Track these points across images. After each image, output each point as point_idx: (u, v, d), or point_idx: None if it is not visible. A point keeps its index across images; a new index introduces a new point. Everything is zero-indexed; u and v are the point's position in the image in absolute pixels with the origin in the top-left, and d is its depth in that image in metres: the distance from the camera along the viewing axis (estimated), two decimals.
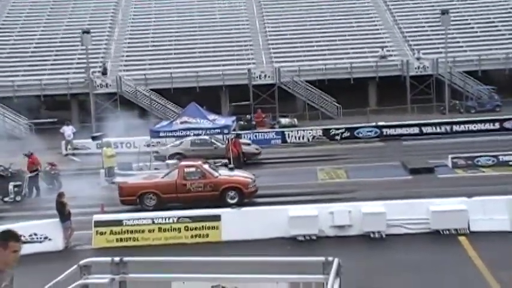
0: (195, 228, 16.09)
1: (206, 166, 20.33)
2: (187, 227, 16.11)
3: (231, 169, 21.23)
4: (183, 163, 20.82)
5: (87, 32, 38.97)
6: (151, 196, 19.74)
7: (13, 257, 5.24)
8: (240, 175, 20.63)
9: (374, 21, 47.39)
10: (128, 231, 16.23)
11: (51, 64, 44.11)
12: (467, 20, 45.97)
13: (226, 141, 25.65)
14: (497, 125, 32.02)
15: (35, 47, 45.95)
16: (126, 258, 6.58)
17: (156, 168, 23.72)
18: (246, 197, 19.72)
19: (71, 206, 16.94)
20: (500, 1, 48.42)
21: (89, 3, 51.74)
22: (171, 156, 25.88)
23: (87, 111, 39.33)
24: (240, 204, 18.59)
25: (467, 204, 15.55)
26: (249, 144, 28.48)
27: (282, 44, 45.11)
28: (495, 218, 15.26)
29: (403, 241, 15.00)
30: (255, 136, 31.79)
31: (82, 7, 51.21)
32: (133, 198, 19.77)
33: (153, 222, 16.24)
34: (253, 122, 36.41)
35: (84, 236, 16.71)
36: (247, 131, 32.83)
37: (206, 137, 26.18)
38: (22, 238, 5.17)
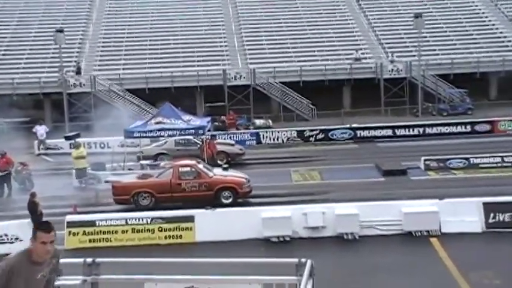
0: (169, 229, 16.03)
1: (201, 166, 20.37)
2: (161, 227, 16.05)
3: (225, 169, 21.28)
4: (178, 163, 20.71)
5: (60, 30, 38.66)
6: (146, 195, 19.68)
7: (41, 248, 5.15)
8: (235, 175, 20.69)
9: (349, 24, 47.74)
10: (101, 231, 16.11)
11: (24, 63, 43.59)
12: (440, 24, 46.56)
13: (201, 142, 25.63)
14: (468, 128, 32.49)
15: (7, 46, 45.36)
16: (98, 260, 6.56)
17: (129, 169, 23.62)
18: (240, 197, 19.78)
19: (43, 207, 16.75)
20: (472, 6, 49.17)
21: (63, 1, 51.24)
22: (156, 156, 25.88)
23: (60, 110, 38.98)
24: (216, 205, 18.58)
25: (439, 206, 15.74)
26: (232, 145, 28.59)
27: (257, 45, 45.20)
28: (466, 219, 15.47)
29: (376, 242, 15.13)
30: (230, 137, 31.79)
31: (56, 5, 50.70)
32: (127, 197, 19.70)
33: (127, 223, 16.14)
34: (226, 123, 36.36)
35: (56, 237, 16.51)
36: (222, 132, 32.84)
37: (190, 137, 26.24)
38: None
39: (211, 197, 19.40)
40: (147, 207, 19.15)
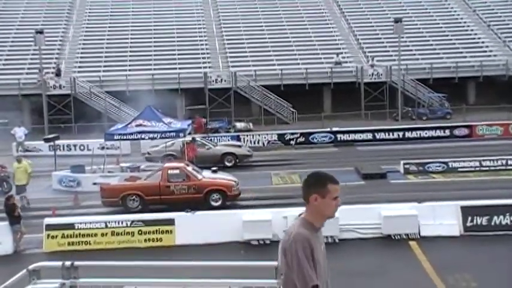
0: (149, 232, 15.98)
1: (190, 168, 20.29)
2: (140, 231, 15.99)
3: (215, 171, 21.23)
4: (167, 165, 20.60)
5: (40, 32, 38.33)
6: (134, 198, 19.56)
7: (333, 206, 4.44)
8: (224, 178, 20.66)
9: (330, 28, 47.97)
10: (80, 234, 16.01)
11: (3, 64, 43.19)
12: (419, 29, 46.99)
13: (182, 145, 25.59)
14: (447, 132, 32.81)
15: None
16: (77, 263, 6.51)
17: (109, 171, 23.48)
18: (229, 199, 19.75)
19: (20, 209, 16.63)
20: (451, 12, 49.70)
21: (43, 2, 50.84)
22: (163, 158, 25.85)
23: (39, 112, 38.65)
24: (196, 208, 18.56)
25: (418, 209, 15.87)
26: (240, 146, 28.70)
27: (238, 49, 45.22)
28: (444, 223, 15.63)
29: (356, 246, 15.21)
30: (210, 140, 31.71)
31: (36, 6, 50.29)
32: (116, 199, 19.57)
33: (106, 226, 16.06)
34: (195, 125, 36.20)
35: (34, 240, 16.40)
36: (202, 135, 32.75)
37: (197, 138, 26.22)
38: None
39: (201, 200, 19.37)
40: (136, 209, 19.08)
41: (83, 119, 37.91)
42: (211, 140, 30.88)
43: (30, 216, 17.52)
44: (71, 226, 16.11)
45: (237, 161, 26.86)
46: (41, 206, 19.90)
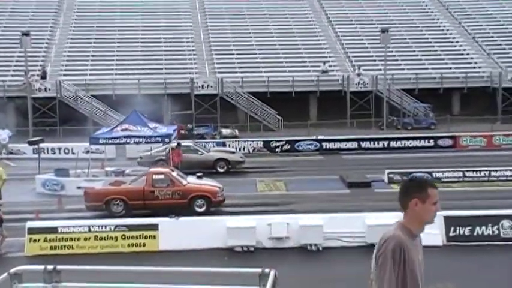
0: (132, 237, 15.91)
1: (175, 173, 20.25)
2: (124, 235, 15.91)
3: (200, 177, 21.17)
4: (152, 170, 20.55)
5: (26, 34, 38.12)
6: (118, 202, 19.46)
7: (433, 211, 4.26)
8: (209, 184, 20.61)
9: (317, 36, 48.16)
10: (62, 238, 15.89)
11: None
12: (406, 39, 47.32)
13: (167, 151, 25.53)
14: (432, 142, 33.00)
15: None
16: (59, 267, 6.46)
17: (94, 175, 23.38)
18: (214, 205, 19.70)
19: (3, 212, 16.47)
20: (437, 23, 50.14)
21: (30, 5, 50.58)
22: (155, 163, 25.75)
23: (24, 115, 38.39)
24: (179, 213, 18.51)
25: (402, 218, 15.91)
26: (233, 153, 28.67)
27: (225, 55, 45.25)
28: (427, 232, 15.62)
29: (339, 254, 15.23)
30: (202, 145, 31.66)
31: (22, 8, 50.02)
32: (100, 204, 19.46)
33: (89, 230, 15.96)
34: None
35: (16, 243, 16.25)
36: (188, 140, 32.69)
37: (190, 144, 26.15)
38: None
39: (185, 205, 19.30)
40: (120, 214, 18.99)
41: (68, 122, 37.72)
42: (204, 146, 30.89)
43: (13, 219, 17.36)
44: (53, 230, 15.99)
45: (230, 167, 26.84)
46: (24, 210, 19.72)
